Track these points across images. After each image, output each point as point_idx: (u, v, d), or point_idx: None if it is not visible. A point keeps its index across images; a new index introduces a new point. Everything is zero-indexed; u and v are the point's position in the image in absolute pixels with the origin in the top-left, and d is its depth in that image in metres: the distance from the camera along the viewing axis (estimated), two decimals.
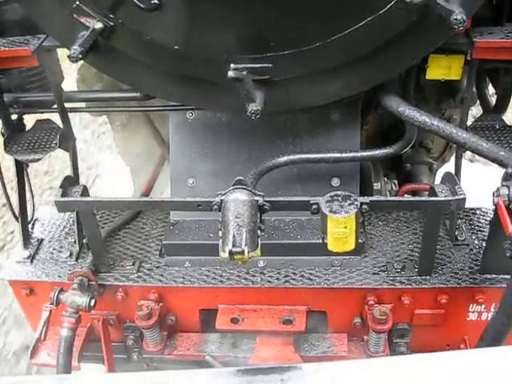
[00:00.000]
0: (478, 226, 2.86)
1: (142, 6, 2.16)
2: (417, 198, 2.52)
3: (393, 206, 2.46)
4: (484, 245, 2.68)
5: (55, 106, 2.86)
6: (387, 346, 2.72)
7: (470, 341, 2.74)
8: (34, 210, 3.11)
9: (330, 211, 2.09)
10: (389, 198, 2.62)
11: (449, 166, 3.63)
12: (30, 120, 3.01)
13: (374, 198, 2.24)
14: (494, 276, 2.59)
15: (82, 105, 3.23)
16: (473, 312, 2.68)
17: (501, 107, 2.89)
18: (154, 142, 3.70)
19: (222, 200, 2.22)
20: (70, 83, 3.03)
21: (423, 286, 2.59)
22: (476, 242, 2.78)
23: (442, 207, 2.34)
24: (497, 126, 2.67)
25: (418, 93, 2.98)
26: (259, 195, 2.23)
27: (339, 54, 2.28)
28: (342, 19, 2.18)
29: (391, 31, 2.22)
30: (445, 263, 2.68)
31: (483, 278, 2.60)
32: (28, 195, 2.99)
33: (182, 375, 1.60)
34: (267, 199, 2.24)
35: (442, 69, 2.52)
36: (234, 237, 2.13)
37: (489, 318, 2.63)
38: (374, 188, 3.15)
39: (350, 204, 2.12)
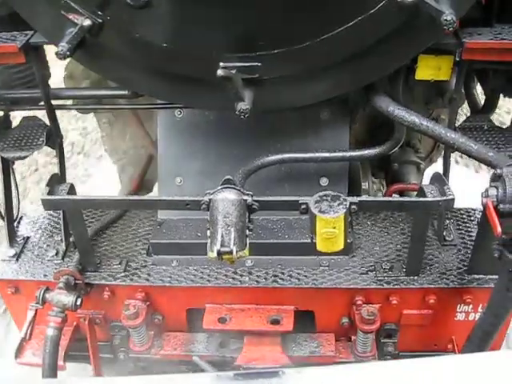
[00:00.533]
0: (465, 226, 2.87)
1: (130, 2, 2.14)
2: (406, 199, 2.52)
3: (382, 207, 2.46)
4: (472, 245, 2.69)
5: (42, 103, 2.83)
6: (375, 346, 2.71)
7: (458, 341, 2.75)
8: (19, 208, 3.07)
9: (319, 211, 2.08)
10: (378, 199, 2.62)
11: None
12: (16, 117, 2.98)
13: (363, 198, 2.23)
14: (482, 276, 2.59)
15: (70, 102, 3.20)
16: (460, 312, 2.68)
17: (489, 108, 2.90)
18: (142, 140, 3.67)
19: (210, 199, 2.21)
20: (54, 75, 2.98)
21: (411, 286, 2.60)
22: (464, 242, 2.78)
23: (431, 208, 2.34)
24: (485, 127, 2.67)
25: (407, 93, 2.98)
26: (248, 194, 2.22)
27: (329, 53, 2.27)
28: (332, 18, 2.17)
29: (381, 31, 2.21)
30: (433, 263, 2.68)
31: (471, 278, 2.60)
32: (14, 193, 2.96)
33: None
34: (256, 199, 2.22)
35: (432, 69, 2.52)
36: (222, 236, 2.12)
37: (476, 319, 2.64)
38: (362, 188, 3.15)
39: (339, 204, 2.11)
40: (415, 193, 3.22)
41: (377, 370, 1.71)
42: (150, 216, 3.02)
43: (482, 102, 3.09)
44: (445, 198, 2.26)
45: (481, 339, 2.41)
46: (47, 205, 2.44)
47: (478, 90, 3.23)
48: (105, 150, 4.21)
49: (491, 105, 2.90)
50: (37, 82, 2.77)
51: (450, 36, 2.34)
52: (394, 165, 3.65)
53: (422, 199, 2.33)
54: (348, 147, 2.78)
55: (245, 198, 2.20)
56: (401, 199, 2.49)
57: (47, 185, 2.48)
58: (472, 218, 2.91)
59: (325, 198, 2.14)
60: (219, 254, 2.11)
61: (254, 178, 2.69)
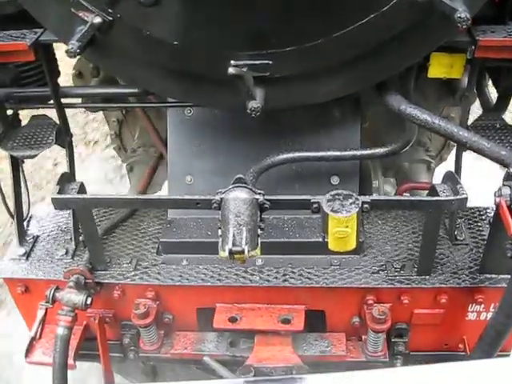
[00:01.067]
0: (477, 225, 2.85)
1: (140, 0, 2.13)
2: (418, 198, 2.50)
3: (394, 206, 2.45)
4: (483, 244, 2.67)
5: (51, 102, 2.82)
6: (386, 345, 2.70)
7: (469, 341, 2.73)
8: (29, 207, 3.07)
9: (332, 210, 2.07)
10: (390, 198, 2.60)
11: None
12: (25, 115, 2.98)
13: (376, 197, 2.23)
14: (494, 276, 2.57)
15: (79, 100, 3.19)
16: (472, 312, 2.67)
17: (501, 106, 2.87)
18: (151, 138, 3.66)
19: (221, 198, 2.19)
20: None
21: (422, 285, 2.58)
22: (476, 241, 2.76)
23: (443, 207, 2.32)
24: (497, 126, 2.65)
25: (418, 91, 2.96)
26: (259, 193, 2.21)
27: (341, 52, 2.25)
28: (345, 16, 2.15)
29: (394, 29, 2.19)
30: (444, 263, 2.66)
31: (483, 277, 2.58)
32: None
33: None
34: (267, 198, 2.21)
35: (444, 67, 2.50)
36: (233, 236, 2.11)
37: (488, 318, 2.63)
38: (373, 186, 3.13)
39: (351, 203, 2.10)
40: (425, 191, 3.23)
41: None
42: (160, 215, 3.01)
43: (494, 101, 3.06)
44: (458, 197, 2.25)
45: (493, 339, 2.39)
46: (57, 204, 2.43)
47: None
48: (113, 148, 4.20)
49: (503, 103, 2.87)
50: (46, 80, 2.76)
51: (463, 34, 2.32)
52: (404, 163, 3.63)
53: (434, 198, 2.31)
54: (359, 146, 2.76)
55: (256, 197, 2.19)
56: (413, 198, 2.47)
57: (57, 184, 2.47)
58: (484, 217, 2.89)
59: (337, 196, 2.13)
60: (231, 253, 2.10)
61: (264, 177, 2.67)
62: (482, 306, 2.63)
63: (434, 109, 3.25)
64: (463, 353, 2.78)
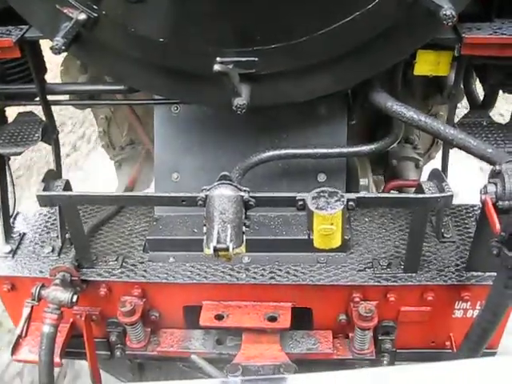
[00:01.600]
0: (464, 223, 2.85)
1: None
2: (404, 195, 2.50)
3: (380, 203, 2.44)
4: (470, 242, 2.67)
5: (38, 99, 2.80)
6: (372, 343, 2.70)
7: (456, 338, 2.73)
8: (15, 205, 3.05)
9: (317, 208, 2.07)
10: (376, 195, 2.60)
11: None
12: (11, 113, 2.96)
13: (361, 194, 2.22)
14: (480, 273, 2.58)
15: (66, 97, 3.18)
16: (458, 309, 2.67)
17: (488, 104, 2.88)
18: (139, 135, 3.65)
19: (206, 195, 2.19)
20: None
21: (409, 283, 2.58)
22: (462, 239, 2.76)
23: (429, 204, 2.32)
24: (484, 123, 2.66)
25: (405, 88, 2.96)
26: (244, 191, 2.20)
27: (327, 49, 2.25)
28: (330, 13, 2.15)
29: (380, 26, 2.19)
30: (431, 260, 2.66)
31: (469, 275, 2.59)
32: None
33: None
34: (252, 195, 2.21)
35: (430, 64, 2.50)
36: (218, 233, 2.10)
37: (474, 316, 2.63)
38: (361, 184, 3.13)
39: (336, 200, 2.09)
40: (413, 189, 3.23)
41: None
42: (147, 212, 3.00)
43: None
44: (443, 194, 2.25)
45: (479, 336, 2.40)
46: (43, 201, 2.42)
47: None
48: (102, 145, 4.18)
49: (490, 101, 2.88)
50: (32, 76, 2.75)
51: (449, 31, 2.32)
52: (393, 161, 3.63)
53: (420, 196, 2.31)
54: (346, 143, 2.76)
55: (241, 194, 2.18)
56: (399, 195, 2.47)
57: (43, 180, 2.45)
58: (470, 215, 2.89)
59: (322, 194, 2.12)
60: (215, 250, 2.09)
61: (250, 174, 2.67)
62: (469, 303, 2.63)
63: (421, 106, 3.26)
64: (450, 350, 2.78)
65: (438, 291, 2.59)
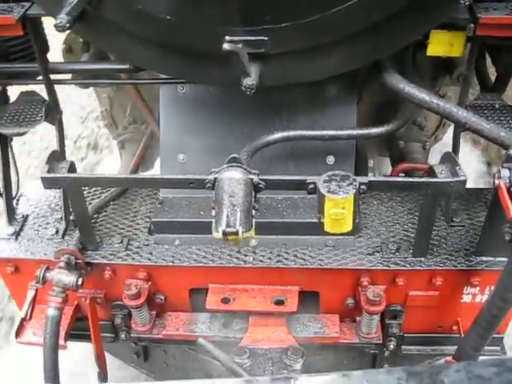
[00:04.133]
0: (473, 207, 2.82)
1: None
2: (416, 179, 2.45)
3: (392, 187, 2.40)
4: (480, 226, 2.64)
5: (40, 78, 2.74)
6: (380, 327, 2.69)
7: (463, 323, 2.71)
8: (18, 186, 3.01)
9: (328, 191, 2.02)
10: (387, 179, 2.55)
11: None
12: (13, 92, 2.90)
13: (373, 178, 2.18)
14: (490, 259, 2.55)
15: (68, 76, 3.12)
16: (467, 294, 2.65)
17: (501, 86, 2.82)
18: (143, 115, 3.60)
19: (215, 178, 2.15)
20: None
21: (418, 267, 2.55)
22: (472, 223, 2.73)
23: (442, 188, 2.28)
24: (496, 106, 2.60)
25: (413, 69, 2.91)
26: (254, 173, 2.16)
27: (338, 28, 2.19)
28: None
29: (393, 5, 2.13)
30: (440, 245, 2.63)
31: (479, 260, 2.56)
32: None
33: None
34: (262, 178, 2.17)
35: (444, 45, 2.44)
36: (227, 216, 2.07)
37: (483, 301, 2.61)
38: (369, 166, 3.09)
39: (348, 184, 2.05)
40: (422, 173, 3.20)
41: None
42: (152, 194, 2.96)
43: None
44: (457, 178, 2.20)
45: (488, 322, 2.37)
46: (47, 182, 2.38)
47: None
48: (104, 125, 4.13)
49: (503, 83, 2.82)
50: (35, 55, 2.69)
51: (464, 11, 2.26)
52: (400, 143, 3.59)
53: (433, 180, 2.27)
54: (355, 125, 2.71)
55: (251, 177, 2.14)
56: (411, 179, 2.42)
57: (47, 162, 2.41)
58: (480, 199, 2.85)
59: (333, 177, 2.08)
60: (225, 234, 2.06)
61: (257, 156, 2.62)
62: (478, 288, 2.61)
63: (429, 88, 3.21)
64: (457, 335, 2.76)
65: (446, 276, 2.56)
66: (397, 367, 1.58)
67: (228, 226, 2.06)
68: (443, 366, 1.65)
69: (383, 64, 2.49)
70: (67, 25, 2.11)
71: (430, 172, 2.33)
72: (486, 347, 2.43)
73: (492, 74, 2.92)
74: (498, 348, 2.79)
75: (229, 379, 1.90)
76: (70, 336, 2.80)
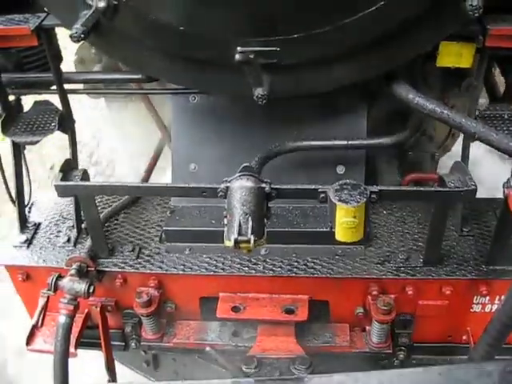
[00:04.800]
0: (483, 216, 2.83)
1: None
2: (427, 188, 2.47)
3: (402, 196, 2.42)
4: (489, 236, 2.65)
5: (54, 87, 2.78)
6: (390, 336, 2.69)
7: (473, 332, 2.71)
8: (30, 194, 3.04)
9: (340, 200, 2.04)
10: (398, 188, 2.56)
11: None
12: (27, 101, 2.93)
13: (384, 187, 2.18)
14: (500, 268, 2.55)
15: (80, 86, 3.15)
16: (477, 304, 2.65)
17: (510, 96, 2.84)
18: (153, 125, 3.63)
19: (227, 187, 2.17)
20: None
21: (428, 276, 2.56)
22: (481, 233, 2.74)
23: (452, 198, 2.29)
24: (506, 116, 2.62)
25: (423, 80, 2.93)
26: (266, 182, 2.18)
27: (350, 39, 2.21)
28: (354, 3, 2.12)
29: (404, 16, 2.16)
30: (450, 254, 2.64)
31: (489, 269, 2.57)
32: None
33: None
34: (274, 187, 2.18)
35: (453, 56, 2.46)
36: (239, 225, 2.08)
37: (493, 310, 2.61)
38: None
39: (359, 193, 2.07)
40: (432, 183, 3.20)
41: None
42: (163, 203, 2.99)
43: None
44: (467, 188, 2.22)
45: (498, 332, 2.37)
46: (61, 191, 2.40)
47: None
48: (115, 135, 4.17)
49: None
50: (48, 65, 2.72)
51: (473, 22, 2.28)
52: (409, 153, 3.60)
53: (443, 189, 2.28)
54: (365, 135, 2.73)
55: (263, 185, 2.16)
56: (421, 189, 2.43)
57: (60, 170, 2.43)
58: (489, 208, 2.86)
59: (345, 186, 2.10)
60: (236, 242, 2.07)
61: (268, 165, 2.65)
62: (487, 298, 2.61)
63: (438, 99, 3.22)
64: (467, 345, 2.76)
65: (456, 285, 2.57)
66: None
67: (240, 234, 2.07)
68: None
69: (394, 74, 2.51)
70: (82, 35, 2.14)
71: (440, 181, 2.35)
72: (497, 357, 2.43)
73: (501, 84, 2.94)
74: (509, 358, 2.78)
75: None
76: (80, 344, 2.81)
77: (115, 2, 2.20)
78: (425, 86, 3.02)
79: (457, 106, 3.60)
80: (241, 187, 2.13)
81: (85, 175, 2.47)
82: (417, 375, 1.70)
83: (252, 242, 2.06)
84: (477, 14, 2.00)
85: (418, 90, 2.52)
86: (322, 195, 2.15)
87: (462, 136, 2.81)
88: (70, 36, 2.15)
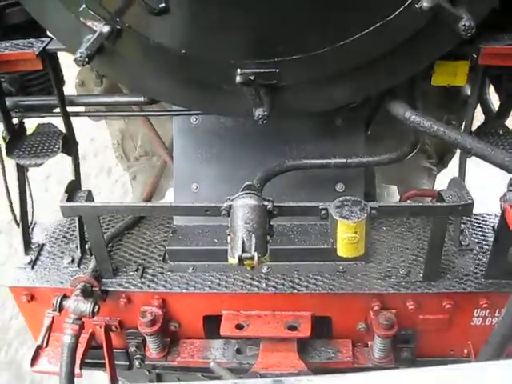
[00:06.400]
0: (481, 231, 2.87)
1: (148, 9, 2.15)
2: (425, 204, 2.52)
3: (401, 212, 2.46)
4: (488, 250, 2.69)
5: (56, 110, 2.83)
6: (392, 351, 2.71)
7: (474, 346, 2.74)
8: (33, 215, 3.07)
9: (341, 216, 2.09)
10: (397, 204, 2.61)
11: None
12: (29, 124, 2.98)
13: (384, 203, 2.23)
14: (499, 281, 2.59)
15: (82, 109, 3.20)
16: (477, 317, 2.68)
17: (504, 113, 2.90)
18: (154, 146, 3.67)
19: (230, 205, 2.21)
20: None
21: (428, 291, 2.59)
22: (480, 247, 2.78)
23: (450, 213, 2.34)
24: (500, 132, 2.68)
25: (420, 98, 2.98)
26: (268, 200, 2.22)
27: (347, 59, 2.27)
28: (350, 24, 2.18)
29: (399, 37, 2.22)
30: (449, 268, 2.68)
31: (488, 283, 2.60)
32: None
33: None
34: (276, 204, 2.23)
35: (448, 75, 2.53)
36: (243, 242, 2.12)
37: (493, 323, 2.64)
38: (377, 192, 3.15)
39: (360, 209, 2.11)
40: (428, 198, 3.25)
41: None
42: (166, 222, 3.02)
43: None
44: (464, 202, 2.26)
45: (499, 344, 2.39)
46: (66, 211, 2.44)
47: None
48: (116, 156, 4.21)
49: (506, 109, 2.90)
50: (51, 89, 2.78)
51: (466, 41, 2.35)
52: (406, 170, 3.65)
53: (442, 204, 2.33)
54: (364, 152, 2.78)
55: (265, 203, 2.20)
56: (420, 204, 2.48)
57: (65, 191, 2.48)
58: (487, 223, 2.91)
59: (345, 203, 2.15)
60: (240, 259, 2.10)
61: (268, 184, 2.69)
62: (488, 311, 2.64)
63: (435, 116, 3.28)
64: (468, 358, 2.78)
65: (456, 299, 2.60)
66: None
67: (244, 251, 2.11)
68: None
69: (390, 93, 2.57)
70: (86, 59, 2.20)
71: (439, 197, 2.39)
72: None
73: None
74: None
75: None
76: (85, 364, 2.82)
77: (118, 27, 2.26)
78: (422, 103, 3.09)
79: (452, 123, 3.68)
80: (244, 205, 2.18)
81: (89, 196, 2.51)
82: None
83: (256, 258, 2.10)
84: (470, 34, 2.05)
85: (417, 107, 2.58)
86: (323, 212, 2.20)
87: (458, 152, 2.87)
88: (75, 60, 2.21)
